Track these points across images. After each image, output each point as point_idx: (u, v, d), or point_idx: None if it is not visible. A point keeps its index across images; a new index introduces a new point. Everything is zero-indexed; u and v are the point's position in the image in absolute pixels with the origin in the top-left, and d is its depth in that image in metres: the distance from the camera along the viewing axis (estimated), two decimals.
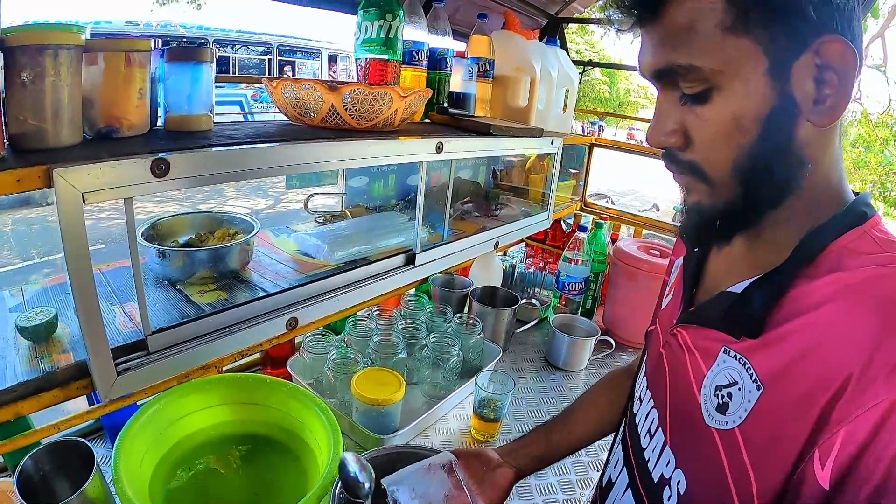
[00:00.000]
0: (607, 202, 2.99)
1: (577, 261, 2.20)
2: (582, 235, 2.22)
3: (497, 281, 2.31)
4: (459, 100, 1.80)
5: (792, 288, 0.63)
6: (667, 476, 0.76)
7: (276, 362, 1.71)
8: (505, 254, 2.68)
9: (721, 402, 0.67)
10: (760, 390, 0.61)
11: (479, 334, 1.79)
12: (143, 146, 0.94)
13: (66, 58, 0.84)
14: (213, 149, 0.96)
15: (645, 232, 2.79)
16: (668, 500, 0.74)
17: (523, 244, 2.98)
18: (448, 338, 1.67)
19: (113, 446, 1.17)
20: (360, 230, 1.55)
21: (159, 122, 1.11)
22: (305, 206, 1.63)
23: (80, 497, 0.92)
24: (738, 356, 0.66)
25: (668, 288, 0.98)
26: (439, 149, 1.42)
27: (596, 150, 2.78)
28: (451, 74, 1.75)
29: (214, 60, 1.10)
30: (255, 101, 11.57)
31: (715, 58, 0.61)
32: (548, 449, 1.15)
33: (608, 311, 2.34)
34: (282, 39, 12.23)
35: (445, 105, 1.71)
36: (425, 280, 2.00)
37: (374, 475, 0.93)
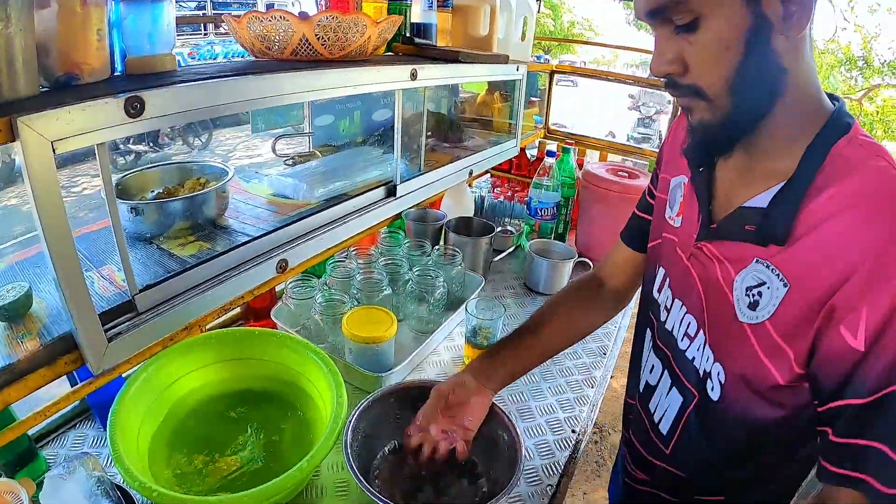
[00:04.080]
0: (566, 130, 2.97)
1: (548, 186, 2.19)
2: (550, 161, 2.21)
3: (469, 212, 2.29)
4: (421, 31, 1.73)
5: (805, 200, 0.76)
6: (707, 370, 0.92)
7: (258, 314, 1.67)
8: (471, 186, 2.66)
9: (752, 301, 0.81)
10: (787, 287, 0.76)
11: (459, 264, 1.78)
12: (110, 89, 0.87)
13: (16, 1, 0.76)
14: (190, 83, 0.90)
15: (610, 157, 2.80)
16: (712, 390, 0.91)
17: (488, 175, 2.97)
18: (430, 270, 1.66)
19: (103, 426, 1.13)
20: (335, 167, 1.50)
21: (118, 70, 1.04)
22: (273, 149, 1.57)
23: None
24: (765, 262, 0.79)
25: (673, 206, 1.05)
26: (414, 76, 1.38)
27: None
28: (411, 5, 1.70)
29: None
30: (191, 59, 10.92)
31: None
32: (521, 363, 1.20)
33: (580, 234, 2.35)
34: None
35: (409, 36, 1.65)
36: (399, 216, 1.98)
37: None
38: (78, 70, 0.91)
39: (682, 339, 0.99)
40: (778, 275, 0.77)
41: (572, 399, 1.48)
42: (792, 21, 0.71)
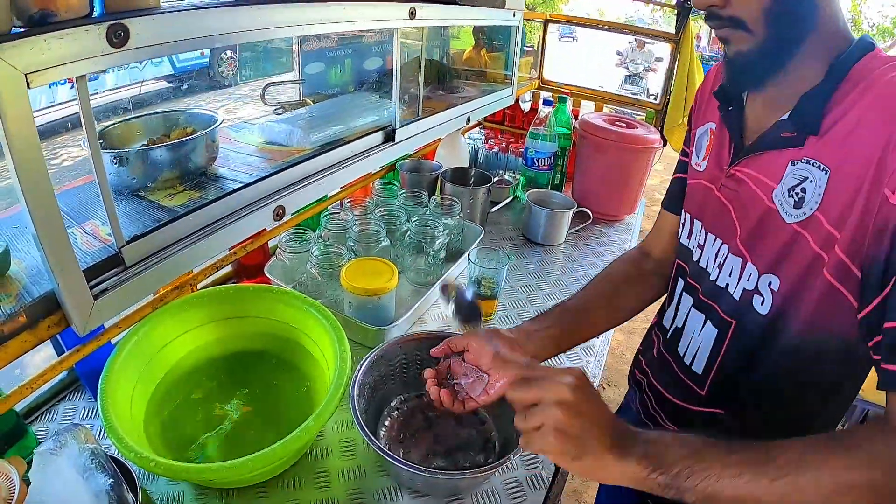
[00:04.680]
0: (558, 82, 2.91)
1: (545, 135, 2.13)
2: (547, 110, 2.15)
3: (464, 162, 2.24)
4: None
5: (833, 99, 0.81)
6: (750, 288, 0.92)
7: (251, 271, 1.61)
8: (463, 135, 2.60)
9: (797, 199, 0.83)
10: (827, 173, 0.79)
11: (458, 215, 1.73)
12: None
13: None
14: (178, 12, 0.83)
15: (605, 108, 2.75)
16: (762, 304, 0.91)
17: (481, 127, 2.90)
18: (429, 220, 1.61)
19: (94, 396, 1.07)
20: (329, 112, 1.44)
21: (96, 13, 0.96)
22: (263, 97, 1.50)
23: None
24: (803, 159, 0.83)
25: (700, 152, 1.10)
26: (412, 14, 1.32)
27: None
28: None
29: None
30: None
31: None
32: (568, 333, 1.14)
33: (577, 184, 2.30)
34: None
35: None
36: (393, 167, 1.92)
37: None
38: (53, 6, 0.82)
39: (713, 272, 1.01)
40: (818, 165, 0.81)
41: (578, 349, 1.44)
42: None
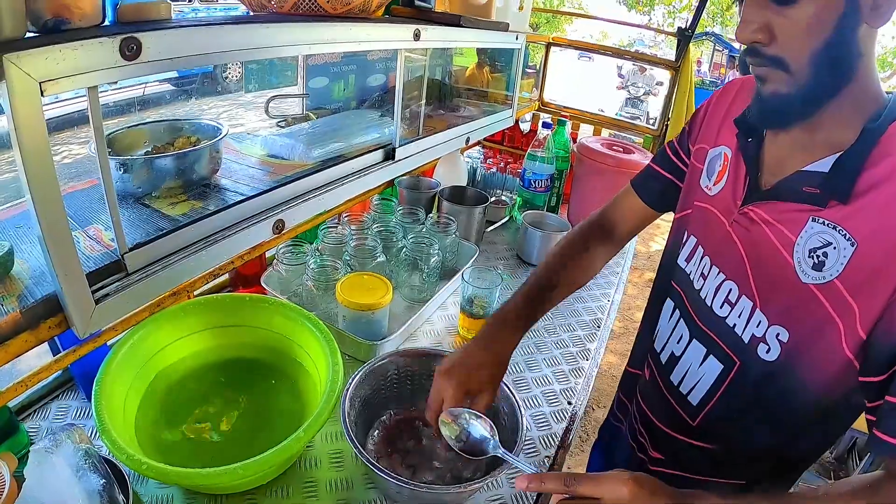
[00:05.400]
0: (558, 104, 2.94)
1: (543, 158, 2.16)
2: (546, 132, 2.17)
3: (463, 181, 2.26)
4: None
5: (866, 164, 0.80)
6: (759, 335, 0.92)
7: (248, 281, 1.62)
8: (462, 153, 2.62)
9: (817, 262, 0.83)
10: (854, 246, 0.79)
11: (454, 233, 1.75)
12: (104, 32, 0.82)
13: None
14: (190, 27, 0.85)
15: (604, 132, 2.78)
16: (767, 353, 0.92)
17: (480, 146, 2.93)
18: (425, 238, 1.63)
19: (87, 396, 1.08)
20: (331, 128, 1.46)
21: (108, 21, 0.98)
22: (266, 109, 1.52)
23: None
24: (828, 222, 0.82)
25: (711, 175, 1.07)
26: (417, 36, 1.34)
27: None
28: None
29: None
30: None
31: None
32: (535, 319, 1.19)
33: (574, 207, 2.33)
34: None
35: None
36: (392, 183, 1.94)
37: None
38: (68, 13, 0.85)
39: (720, 307, 1.00)
40: (844, 234, 0.80)
41: (567, 371, 1.46)
42: (878, 13, 0.76)
